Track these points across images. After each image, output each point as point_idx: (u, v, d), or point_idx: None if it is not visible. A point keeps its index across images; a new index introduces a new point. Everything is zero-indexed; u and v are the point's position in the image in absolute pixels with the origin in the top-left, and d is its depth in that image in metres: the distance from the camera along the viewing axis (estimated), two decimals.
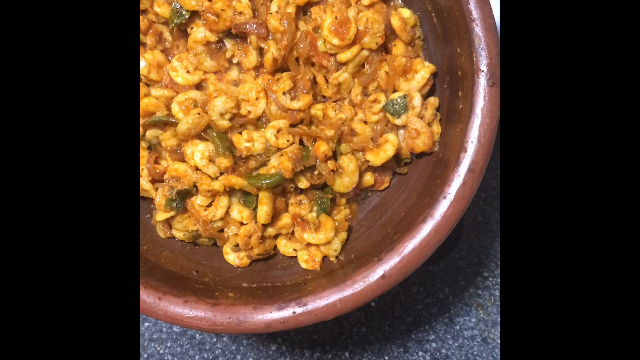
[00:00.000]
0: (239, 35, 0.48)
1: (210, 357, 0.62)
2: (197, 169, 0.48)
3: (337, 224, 0.50)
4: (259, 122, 0.49)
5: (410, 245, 0.42)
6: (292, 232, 0.51)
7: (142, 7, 0.48)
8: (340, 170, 0.49)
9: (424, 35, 0.52)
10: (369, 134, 0.49)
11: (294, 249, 0.51)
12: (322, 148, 0.47)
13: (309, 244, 0.50)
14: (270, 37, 0.48)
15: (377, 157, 0.48)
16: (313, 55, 0.49)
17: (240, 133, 0.48)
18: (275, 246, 0.52)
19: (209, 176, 0.48)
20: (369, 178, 0.52)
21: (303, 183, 0.49)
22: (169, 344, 0.62)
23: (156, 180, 0.50)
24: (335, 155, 0.49)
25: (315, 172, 0.49)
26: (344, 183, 0.48)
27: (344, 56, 0.48)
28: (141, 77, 0.49)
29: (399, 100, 0.49)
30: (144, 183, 0.49)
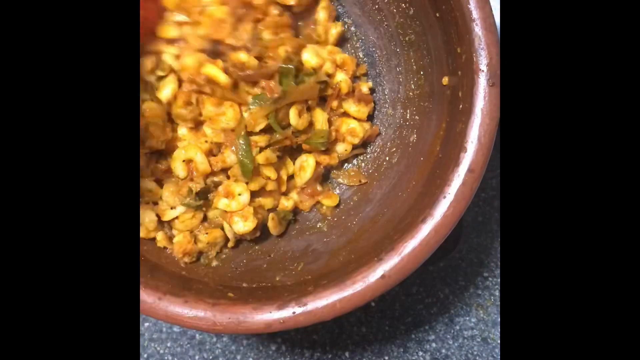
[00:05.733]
0: None
1: (210, 357, 0.62)
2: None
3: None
4: None
5: (410, 245, 0.42)
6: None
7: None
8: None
9: (423, 36, 0.52)
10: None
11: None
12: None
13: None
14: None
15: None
16: None
17: None
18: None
19: None
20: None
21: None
22: (169, 344, 0.62)
23: (159, 179, 0.50)
24: None
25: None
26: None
27: None
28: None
29: None
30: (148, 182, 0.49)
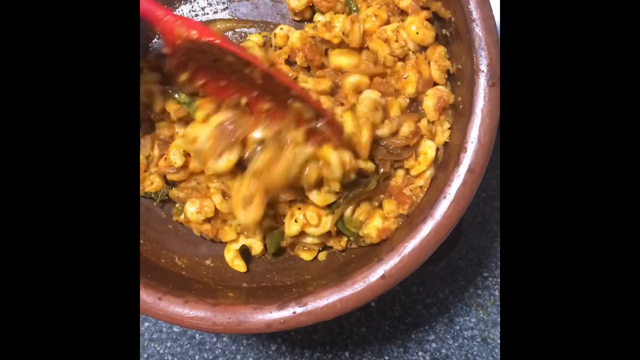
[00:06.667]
0: None
1: (210, 357, 0.62)
2: None
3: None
4: None
5: (411, 245, 0.42)
6: None
7: None
8: None
9: None
10: None
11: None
12: None
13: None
14: None
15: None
16: None
17: None
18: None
19: None
20: None
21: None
22: (169, 344, 0.62)
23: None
24: None
25: None
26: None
27: None
28: None
29: None
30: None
